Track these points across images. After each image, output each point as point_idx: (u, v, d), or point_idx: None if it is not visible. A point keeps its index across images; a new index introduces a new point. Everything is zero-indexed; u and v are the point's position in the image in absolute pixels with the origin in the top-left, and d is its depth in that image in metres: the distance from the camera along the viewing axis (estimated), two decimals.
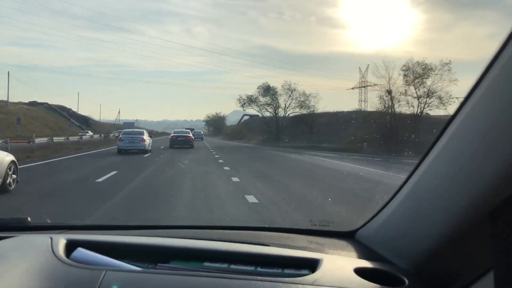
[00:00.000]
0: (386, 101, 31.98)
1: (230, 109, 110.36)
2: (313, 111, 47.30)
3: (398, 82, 32.31)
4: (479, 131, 0.82)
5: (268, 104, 52.17)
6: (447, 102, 30.36)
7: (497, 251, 0.83)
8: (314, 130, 40.12)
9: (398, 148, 24.82)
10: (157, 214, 5.68)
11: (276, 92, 48.31)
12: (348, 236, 1.54)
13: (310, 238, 1.55)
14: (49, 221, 1.91)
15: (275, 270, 1.09)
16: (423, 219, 1.01)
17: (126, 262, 1.06)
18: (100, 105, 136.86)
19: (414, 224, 1.06)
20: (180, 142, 27.26)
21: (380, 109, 31.97)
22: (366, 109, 61.05)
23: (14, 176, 7.48)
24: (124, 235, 1.45)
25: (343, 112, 50.06)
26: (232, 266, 1.10)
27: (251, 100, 49.98)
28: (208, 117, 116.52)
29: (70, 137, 35.08)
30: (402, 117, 29.94)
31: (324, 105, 57.60)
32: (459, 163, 0.88)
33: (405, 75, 31.77)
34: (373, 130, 27.85)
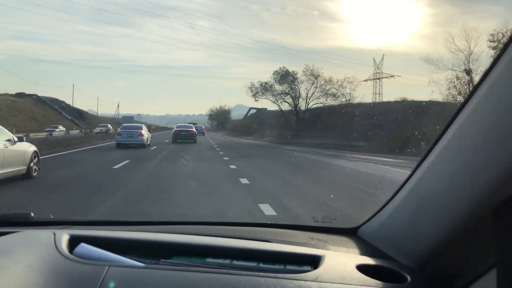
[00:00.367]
0: (462, 84, 23.04)
1: (233, 103, 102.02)
2: (348, 101, 39.13)
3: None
4: (483, 128, 0.84)
5: (286, 93, 43.98)
6: None
7: (500, 249, 0.85)
8: (343, 124, 32.51)
9: None
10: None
11: (296, 78, 39.61)
12: (351, 233, 1.54)
13: (313, 234, 1.55)
14: (52, 217, 1.96)
15: (277, 266, 1.10)
16: (425, 216, 1.02)
17: (129, 258, 1.09)
18: (97, 98, 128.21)
19: (417, 221, 1.07)
20: (183, 136, 28.31)
21: (448, 97, 27.28)
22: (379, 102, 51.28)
23: (36, 165, 8.79)
24: (127, 230, 1.46)
25: (382, 102, 40.68)
26: (235, 262, 1.12)
27: (265, 89, 41.89)
28: (212, 110, 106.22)
29: (30, 134, 26.04)
30: None
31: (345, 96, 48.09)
32: (462, 160, 0.90)
33: (493, 48, 22.91)
34: (431, 124, 19.39)
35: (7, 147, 7.84)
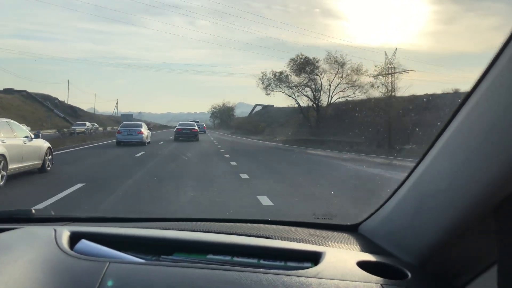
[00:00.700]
0: None
1: (235, 101, 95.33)
2: (391, 92, 29.64)
3: None
4: (484, 125, 0.86)
5: (304, 85, 37.20)
6: None
7: (501, 246, 0.87)
8: (381, 122, 25.75)
9: None
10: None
11: (317, 67, 32.11)
12: (351, 230, 1.56)
13: (313, 231, 1.57)
14: (53, 213, 1.93)
15: (278, 263, 1.13)
16: (426, 213, 1.05)
17: (130, 254, 1.11)
18: (95, 95, 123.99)
19: (417, 218, 1.09)
20: (185, 134, 28.86)
21: None
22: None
23: (50, 160, 10.07)
24: (128, 227, 1.50)
25: (435, 94, 32.58)
26: (235, 259, 1.14)
27: (279, 79, 34.08)
28: (214, 108, 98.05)
29: None
30: None
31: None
32: (463, 157, 0.91)
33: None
34: None
35: (25, 143, 8.92)
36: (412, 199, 1.14)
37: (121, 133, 22.71)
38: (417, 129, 19.84)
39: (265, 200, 6.62)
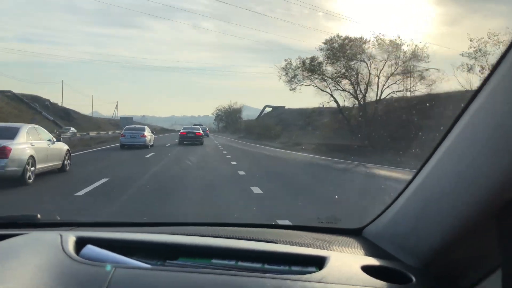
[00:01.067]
0: None
1: (238, 104, 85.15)
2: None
3: None
4: (487, 129, 0.88)
5: (342, 76, 27.17)
6: None
7: (505, 249, 0.88)
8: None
9: None
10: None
11: (364, 51, 22.11)
12: (355, 233, 1.56)
13: (317, 235, 1.58)
14: (58, 218, 1.99)
15: (282, 267, 1.14)
16: (430, 216, 1.06)
17: (135, 259, 1.14)
18: (92, 97, 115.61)
19: (421, 222, 1.11)
20: (190, 138, 28.96)
21: None
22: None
23: (68, 161, 11.57)
24: (133, 232, 1.54)
25: None
26: (240, 263, 1.15)
27: (310, 69, 23.94)
28: (219, 110, 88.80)
29: None
30: None
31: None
32: (466, 161, 0.93)
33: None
34: None
35: (49, 146, 10.41)
36: (416, 203, 1.16)
37: (124, 136, 23.89)
38: None
39: None
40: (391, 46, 25.25)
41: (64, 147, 11.62)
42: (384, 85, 25.63)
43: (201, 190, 9.11)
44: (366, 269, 1.09)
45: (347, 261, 1.20)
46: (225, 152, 21.47)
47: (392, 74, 25.14)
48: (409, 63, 24.60)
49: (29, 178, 9.13)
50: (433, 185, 1.07)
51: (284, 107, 69.84)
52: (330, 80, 27.05)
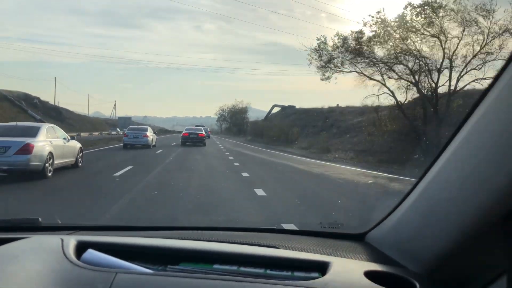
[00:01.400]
0: None
1: (245, 103, 76.60)
2: None
3: None
4: (492, 134, 0.89)
5: (395, 61, 18.26)
6: None
7: (510, 255, 0.89)
8: None
9: None
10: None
11: (433, 22, 13.47)
12: (358, 239, 1.56)
13: (320, 240, 1.59)
14: (59, 222, 1.99)
15: (284, 273, 1.15)
16: (434, 222, 1.07)
17: (137, 264, 1.15)
18: (88, 95, 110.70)
19: (425, 227, 1.12)
20: (192, 139, 29.59)
21: None
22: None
23: (81, 158, 13.08)
24: (134, 236, 1.56)
25: None
26: (242, 269, 1.16)
27: (355, 52, 15.08)
28: (222, 110, 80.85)
29: None
30: None
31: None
32: (471, 166, 0.94)
33: None
34: None
35: (65, 143, 11.81)
36: (419, 208, 1.17)
37: (127, 136, 25.23)
38: None
39: None
40: (477, 12, 16.77)
41: (77, 145, 13.03)
42: (462, 71, 17.80)
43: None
44: (369, 275, 1.11)
45: (350, 266, 1.22)
46: (238, 164, 15.39)
47: (476, 55, 17.17)
48: (500, 39, 16.60)
49: (49, 172, 10.40)
50: (437, 191, 1.08)
51: (294, 106, 63.12)
52: (381, 65, 18.98)
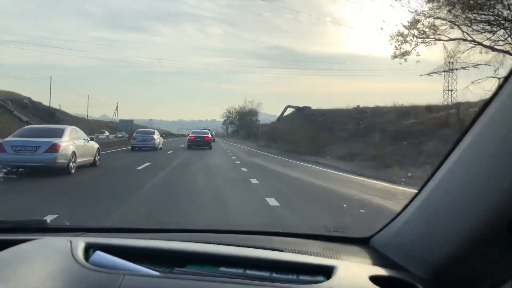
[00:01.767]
0: None
1: (255, 103, 67.85)
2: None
3: None
4: (497, 139, 0.91)
5: None
6: None
7: None
8: None
9: None
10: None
11: None
12: (363, 243, 1.56)
13: (325, 244, 1.59)
14: (67, 223, 2.03)
15: (290, 276, 1.16)
16: (439, 226, 1.08)
17: (144, 266, 1.17)
18: (87, 96, 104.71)
19: (431, 231, 1.13)
20: (198, 143, 29.80)
21: None
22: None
23: (98, 157, 14.82)
24: (141, 238, 1.58)
25: None
26: (248, 272, 1.18)
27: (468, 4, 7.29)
28: (229, 112, 73.09)
29: None
30: None
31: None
32: (476, 171, 0.95)
33: None
34: None
35: (85, 144, 13.44)
36: (425, 212, 1.17)
37: (135, 139, 26.58)
38: None
39: None
40: None
41: (95, 145, 14.57)
42: None
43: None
44: (374, 279, 1.12)
45: (355, 271, 1.23)
46: (269, 196, 8.35)
47: None
48: None
49: (72, 169, 11.97)
50: (442, 195, 1.08)
51: (310, 107, 56.03)
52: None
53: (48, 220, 1.72)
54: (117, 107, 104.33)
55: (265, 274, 1.14)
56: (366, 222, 6.19)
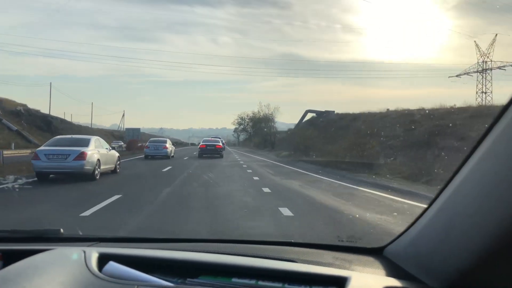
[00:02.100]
0: None
1: (272, 107, 59.51)
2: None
3: None
4: None
5: None
6: None
7: None
8: None
9: None
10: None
11: None
12: (376, 253, 1.52)
13: (337, 254, 1.55)
14: (80, 233, 2.13)
15: (302, 287, 1.19)
16: (454, 237, 1.05)
17: (156, 277, 1.17)
18: (92, 104, 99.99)
19: (445, 242, 1.09)
20: (209, 151, 29.78)
21: None
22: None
23: (119, 165, 16.91)
24: (153, 248, 1.59)
25: None
26: (260, 283, 1.17)
27: None
28: (241, 119, 65.99)
29: None
30: None
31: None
32: (492, 181, 0.91)
33: None
34: None
35: (107, 152, 15.25)
36: (439, 223, 1.14)
37: (148, 148, 28.12)
38: None
39: None
40: None
41: (116, 154, 16.31)
42: None
43: None
44: None
45: (368, 281, 1.21)
46: None
47: None
48: None
49: (97, 175, 13.65)
50: (457, 205, 1.05)
51: (333, 111, 49.23)
52: None
53: (62, 230, 1.75)
54: (123, 115, 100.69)
55: (278, 285, 1.14)
56: None
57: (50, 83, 77.56)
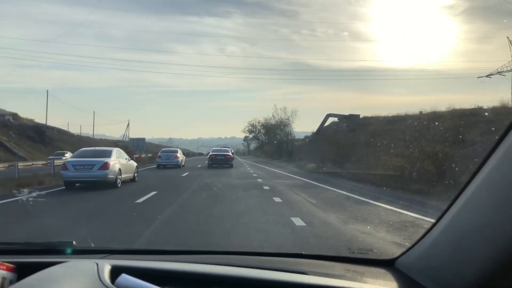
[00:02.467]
0: None
1: (289, 110, 52.01)
2: None
3: None
4: None
5: None
6: None
7: None
8: None
9: None
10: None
11: None
12: (388, 265, 1.51)
13: (349, 266, 1.54)
14: (92, 245, 2.15)
15: None
16: (467, 249, 1.03)
17: None
18: (93, 112, 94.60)
19: (458, 254, 1.08)
20: (219, 161, 29.56)
21: None
22: None
23: (137, 174, 19.69)
24: (165, 260, 1.60)
25: None
26: None
27: None
28: (252, 126, 59.81)
29: None
30: None
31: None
32: (505, 192, 0.90)
33: None
34: None
35: (127, 162, 17.43)
36: (451, 234, 1.13)
37: (160, 157, 29.99)
38: None
39: None
40: None
41: (134, 164, 18.34)
42: None
43: None
44: None
45: None
46: None
47: None
48: None
49: (119, 183, 15.47)
50: (470, 217, 1.05)
51: (358, 115, 43.04)
52: None
53: (74, 242, 1.83)
54: (128, 124, 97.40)
55: None
56: None
57: (47, 91, 72.83)
